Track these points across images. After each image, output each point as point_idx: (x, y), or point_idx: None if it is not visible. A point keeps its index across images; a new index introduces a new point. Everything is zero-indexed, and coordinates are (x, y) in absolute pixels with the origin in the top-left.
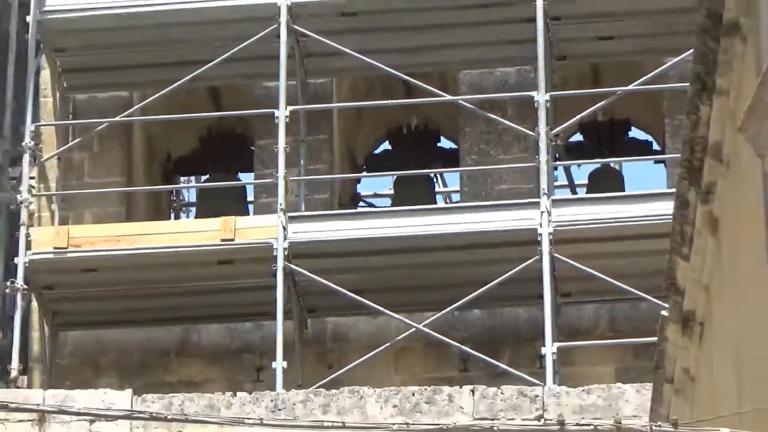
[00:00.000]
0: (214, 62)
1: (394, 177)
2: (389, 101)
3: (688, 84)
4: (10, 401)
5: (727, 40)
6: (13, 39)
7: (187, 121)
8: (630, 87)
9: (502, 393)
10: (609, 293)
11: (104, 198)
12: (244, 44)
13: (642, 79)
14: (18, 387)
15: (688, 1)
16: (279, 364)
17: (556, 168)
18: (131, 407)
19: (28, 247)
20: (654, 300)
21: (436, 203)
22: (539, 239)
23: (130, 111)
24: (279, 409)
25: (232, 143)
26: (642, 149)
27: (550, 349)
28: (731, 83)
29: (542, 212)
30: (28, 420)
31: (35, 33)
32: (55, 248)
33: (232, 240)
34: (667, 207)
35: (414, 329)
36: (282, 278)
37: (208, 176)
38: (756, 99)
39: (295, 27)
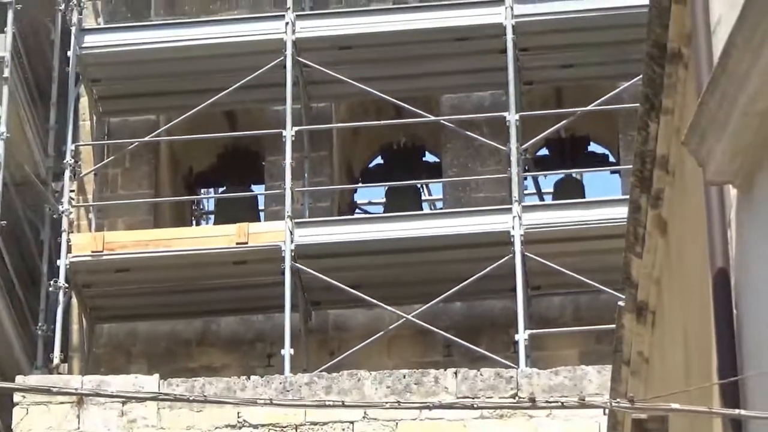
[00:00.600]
0: (230, 89)
1: (386, 187)
2: (381, 121)
3: (638, 104)
4: (51, 385)
5: (671, 66)
6: (55, 71)
7: (206, 140)
8: (589, 107)
9: (481, 375)
10: (573, 286)
11: (134, 208)
12: (256, 74)
13: (599, 101)
14: (60, 373)
15: (637, 33)
16: (287, 351)
17: (525, 178)
18: (158, 390)
19: (69, 250)
20: (612, 292)
21: (422, 210)
22: (512, 240)
23: (157, 132)
24: (287, 390)
25: (245, 159)
26: (600, 161)
27: (522, 335)
28: (675, 103)
29: (514, 217)
30: (69, 402)
31: (75, 66)
32: (92, 252)
33: (246, 243)
34: (622, 211)
35: (404, 319)
36: (289, 276)
37: (224, 188)
38: (696, 117)
39: (299, 58)
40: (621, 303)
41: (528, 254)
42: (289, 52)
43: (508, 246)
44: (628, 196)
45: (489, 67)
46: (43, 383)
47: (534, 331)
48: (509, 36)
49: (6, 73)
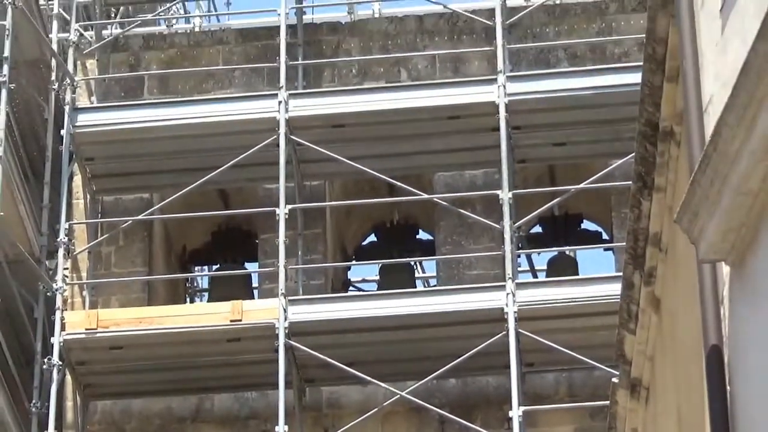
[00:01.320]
0: (223, 168)
1: (380, 265)
2: (375, 200)
3: (631, 182)
4: None
5: (663, 144)
6: (49, 150)
7: (200, 218)
8: (582, 185)
9: None
10: (567, 363)
11: (128, 285)
12: (249, 152)
13: (592, 179)
14: None
15: (629, 111)
16: (281, 428)
17: (519, 256)
18: None
19: (63, 328)
20: (606, 368)
21: (416, 287)
22: (506, 317)
23: (150, 210)
24: None
25: (239, 237)
26: (593, 239)
27: (516, 412)
28: (668, 181)
29: (508, 294)
30: None
31: (68, 144)
32: (86, 329)
33: (240, 321)
34: (615, 288)
35: (398, 396)
36: (283, 353)
37: (218, 266)
38: (688, 195)
39: (292, 137)
40: (615, 379)
41: (522, 331)
42: (282, 130)
43: (502, 323)
44: (621, 274)
45: (482, 145)
46: None
47: (528, 407)
48: (502, 114)
49: (0, 151)
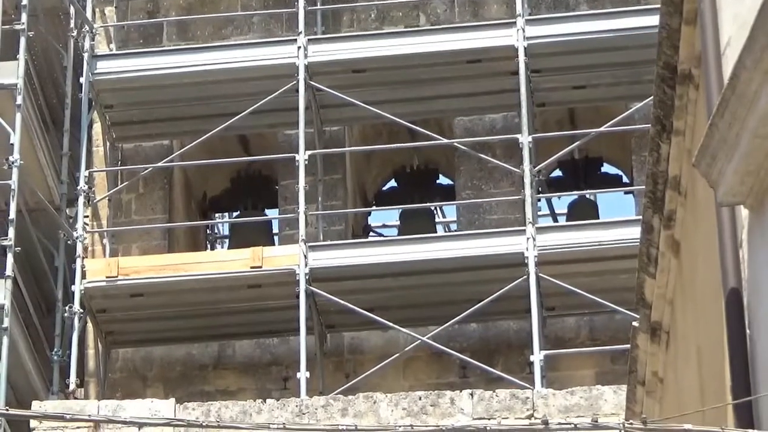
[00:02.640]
0: (242, 114)
1: (400, 210)
2: (394, 145)
3: (650, 125)
4: (65, 412)
5: (681, 88)
6: (68, 97)
7: (220, 165)
8: (601, 129)
9: (496, 396)
10: (588, 307)
11: (149, 233)
12: (268, 98)
13: (611, 122)
14: (76, 398)
15: (648, 54)
16: (303, 374)
17: (539, 200)
18: (174, 414)
19: (84, 276)
20: (626, 312)
21: (436, 232)
22: (526, 262)
23: (170, 157)
24: (303, 413)
25: (259, 183)
26: (613, 182)
27: (537, 356)
28: (686, 124)
29: (528, 238)
30: (85, 427)
31: (88, 92)
32: (107, 277)
33: (260, 267)
34: (635, 232)
35: (419, 341)
36: (304, 299)
37: (238, 212)
38: (707, 139)
39: (312, 83)
40: (635, 323)
41: (542, 275)
42: (301, 76)
43: (523, 267)
44: (640, 217)
45: (501, 89)
46: (59, 409)
47: (549, 351)
48: (521, 58)
49: (19, 100)
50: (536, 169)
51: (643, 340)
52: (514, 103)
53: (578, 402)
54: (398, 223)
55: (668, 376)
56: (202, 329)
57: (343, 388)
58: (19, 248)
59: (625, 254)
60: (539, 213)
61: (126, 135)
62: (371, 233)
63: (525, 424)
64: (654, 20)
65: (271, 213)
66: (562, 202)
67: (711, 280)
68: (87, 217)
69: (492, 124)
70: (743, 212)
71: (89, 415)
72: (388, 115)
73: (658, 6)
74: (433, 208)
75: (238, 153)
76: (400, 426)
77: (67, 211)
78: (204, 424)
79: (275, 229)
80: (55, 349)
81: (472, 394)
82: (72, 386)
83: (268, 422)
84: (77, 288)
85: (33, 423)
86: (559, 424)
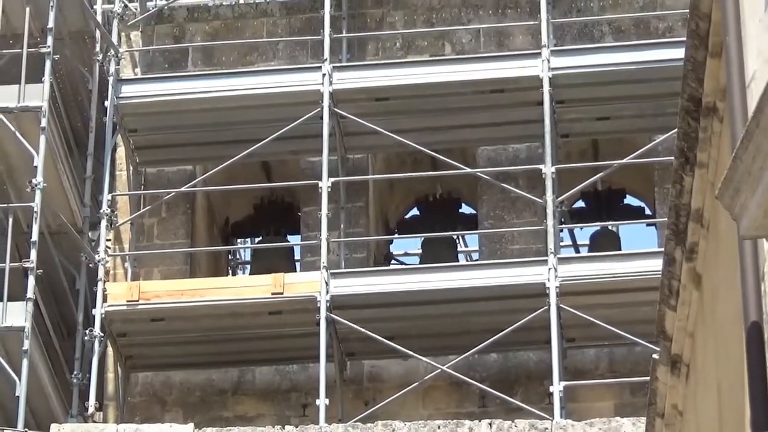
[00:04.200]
0: (266, 140)
1: (422, 239)
2: (418, 173)
3: (673, 158)
4: None
5: (705, 120)
6: (93, 121)
7: (242, 191)
8: (625, 160)
9: (515, 426)
10: (608, 339)
11: (170, 257)
12: (292, 125)
13: (635, 154)
14: (95, 422)
15: (672, 86)
16: (322, 401)
17: (561, 230)
18: None
19: (105, 299)
20: (647, 344)
21: (458, 261)
22: (547, 292)
23: (193, 182)
24: None
25: (281, 210)
26: (636, 214)
27: (557, 387)
28: (710, 157)
29: (550, 269)
30: None
31: (112, 116)
32: (128, 301)
33: (282, 293)
34: (657, 264)
35: (439, 370)
36: (325, 326)
37: (260, 238)
38: (730, 172)
39: (336, 110)
40: (655, 356)
41: (563, 306)
42: (326, 103)
43: (544, 298)
44: (662, 249)
45: (525, 120)
46: None
47: (569, 382)
48: (546, 88)
49: (43, 123)
50: (559, 199)
51: (663, 372)
52: (538, 133)
53: None
54: (420, 251)
55: (688, 409)
56: (222, 354)
57: (362, 415)
58: (41, 271)
59: (647, 286)
60: (561, 243)
61: (149, 159)
62: (393, 261)
63: None
64: (678, 53)
65: (293, 239)
66: (585, 233)
67: (732, 313)
68: (109, 240)
69: (515, 154)
70: (766, 245)
71: None
72: (412, 144)
73: (683, 39)
74: (455, 236)
75: (260, 179)
76: None
77: (90, 234)
78: None
79: (297, 256)
80: (75, 372)
81: (491, 424)
82: (91, 409)
83: None
84: (98, 311)
85: None
86: None
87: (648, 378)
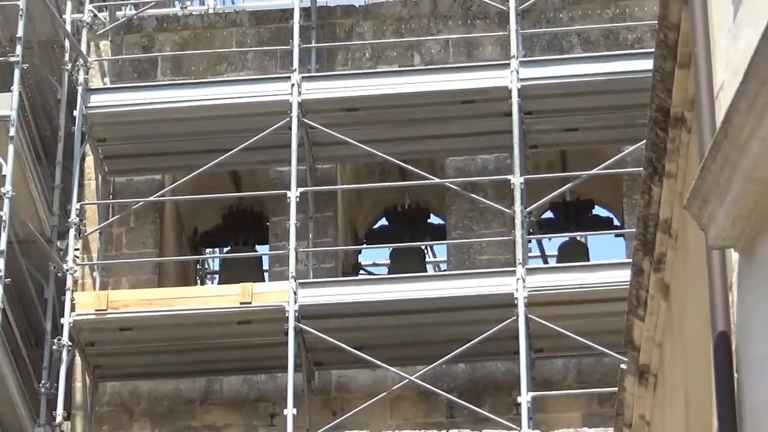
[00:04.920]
0: (235, 150)
1: (390, 249)
2: (386, 183)
3: (642, 168)
4: None
5: (674, 131)
6: (61, 130)
7: (211, 200)
8: (593, 171)
9: None
10: (576, 349)
11: (139, 267)
12: (261, 135)
13: (603, 165)
14: (63, 431)
15: (641, 97)
16: (290, 410)
17: (530, 241)
18: None
19: (73, 309)
20: (615, 355)
21: (426, 272)
22: (515, 302)
23: (162, 192)
24: None
25: (250, 219)
26: (604, 225)
27: (525, 398)
28: (678, 168)
29: (518, 279)
30: None
31: (81, 125)
32: (96, 310)
33: (250, 303)
34: (625, 275)
35: (407, 380)
36: (293, 336)
37: (229, 248)
38: (698, 182)
39: (305, 120)
40: (623, 366)
41: (531, 317)
42: (294, 113)
43: (512, 308)
44: (630, 260)
45: (494, 130)
46: None
47: (537, 393)
48: (515, 99)
49: (12, 132)
50: (527, 210)
51: (631, 382)
52: (507, 144)
53: None
54: (388, 261)
55: (655, 419)
56: (191, 364)
57: (329, 425)
58: (9, 280)
59: (615, 297)
60: (529, 254)
61: (118, 169)
62: (361, 271)
63: None
64: (647, 64)
65: (262, 249)
66: (553, 243)
67: (700, 324)
68: (77, 249)
69: (484, 164)
70: (734, 256)
71: None
72: (381, 154)
73: (652, 50)
74: (423, 247)
75: (229, 189)
76: None
77: (58, 243)
78: None
79: (265, 266)
80: (43, 381)
81: None
82: (59, 419)
83: None
84: (66, 320)
85: None
86: None
87: (616, 388)
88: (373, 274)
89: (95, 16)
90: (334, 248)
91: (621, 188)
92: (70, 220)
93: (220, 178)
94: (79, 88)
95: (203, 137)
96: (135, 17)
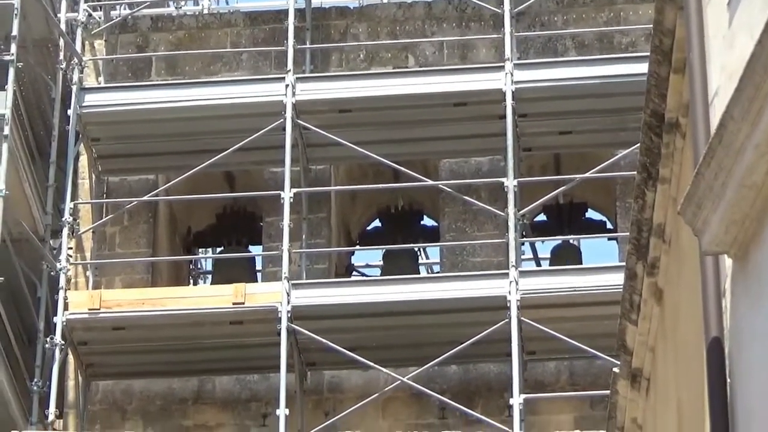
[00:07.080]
0: (229, 151)
1: (384, 250)
2: (380, 185)
3: (636, 173)
4: None
5: (668, 136)
6: (56, 129)
7: (205, 201)
8: (587, 175)
9: None
10: (568, 352)
11: (132, 266)
12: (255, 135)
13: (597, 168)
14: (55, 430)
15: (635, 101)
16: (282, 411)
17: (523, 244)
18: None
19: (66, 308)
20: (607, 358)
21: (419, 273)
22: (508, 305)
23: (155, 192)
24: None
25: (243, 220)
26: (597, 228)
27: (517, 400)
28: (672, 173)
29: (511, 282)
30: None
31: (75, 124)
32: (89, 309)
33: (243, 303)
34: (618, 278)
35: (399, 382)
36: (285, 337)
37: (222, 248)
38: (692, 187)
39: (299, 121)
40: (616, 369)
41: (524, 319)
42: (288, 114)
43: (505, 311)
44: (624, 264)
45: (488, 133)
46: None
47: (529, 395)
48: (509, 102)
49: (6, 130)
50: (520, 213)
51: (624, 386)
52: (501, 146)
53: None
54: (381, 263)
55: (647, 423)
56: (183, 364)
57: (321, 426)
58: (2, 278)
59: (608, 300)
60: (522, 257)
61: (112, 168)
62: (354, 273)
63: None
64: (642, 68)
65: (255, 250)
66: (546, 246)
67: (693, 329)
68: (71, 248)
69: (478, 167)
70: (727, 261)
71: None
72: (375, 156)
73: (647, 54)
74: (416, 249)
75: (223, 189)
76: None
77: (51, 242)
78: None
79: (258, 266)
80: (35, 380)
81: None
82: (51, 417)
83: None
84: (59, 319)
85: None
86: None
87: (608, 391)
88: (366, 276)
89: (90, 15)
90: (327, 249)
91: (614, 192)
92: (63, 219)
93: (213, 179)
94: (74, 88)
95: (197, 137)
96: (129, 17)
